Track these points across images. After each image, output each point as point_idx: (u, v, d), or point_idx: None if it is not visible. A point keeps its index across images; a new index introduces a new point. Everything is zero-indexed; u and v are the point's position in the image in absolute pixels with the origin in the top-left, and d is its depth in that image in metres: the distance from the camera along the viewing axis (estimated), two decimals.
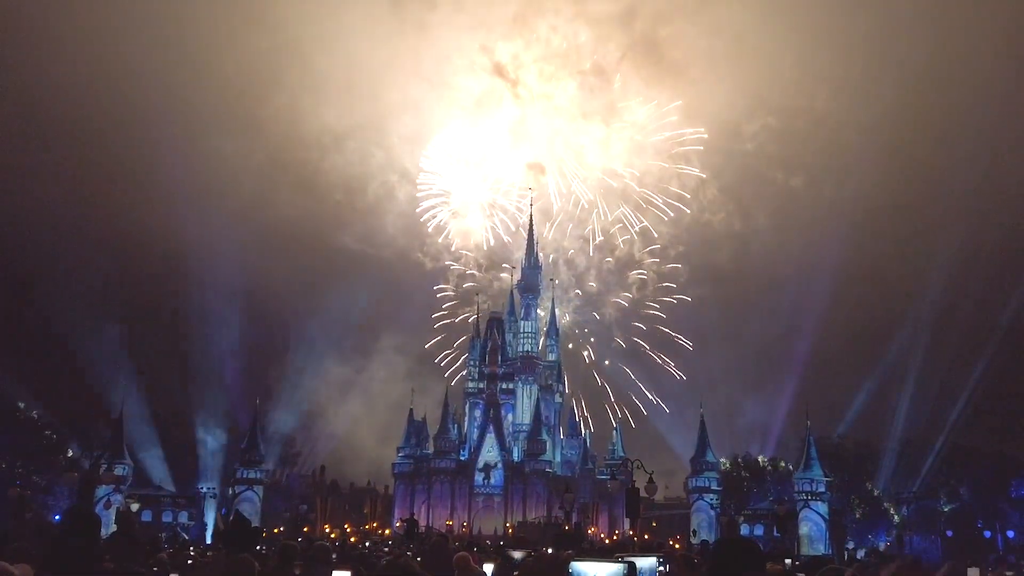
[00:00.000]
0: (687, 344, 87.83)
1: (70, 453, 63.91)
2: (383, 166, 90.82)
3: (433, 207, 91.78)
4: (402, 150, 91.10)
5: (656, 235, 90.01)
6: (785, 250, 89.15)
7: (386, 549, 29.08)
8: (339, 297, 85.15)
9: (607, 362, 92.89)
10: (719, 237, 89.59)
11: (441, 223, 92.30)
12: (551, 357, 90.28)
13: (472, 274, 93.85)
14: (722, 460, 77.16)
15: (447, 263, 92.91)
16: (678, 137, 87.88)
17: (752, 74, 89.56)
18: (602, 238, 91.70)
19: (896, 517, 68.64)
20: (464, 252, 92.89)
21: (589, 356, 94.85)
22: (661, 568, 4.99)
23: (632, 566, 5.16)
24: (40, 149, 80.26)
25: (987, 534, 61.44)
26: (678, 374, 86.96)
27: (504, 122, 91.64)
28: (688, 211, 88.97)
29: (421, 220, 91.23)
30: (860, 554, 54.97)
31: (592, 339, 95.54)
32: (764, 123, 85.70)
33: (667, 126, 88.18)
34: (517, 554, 10.24)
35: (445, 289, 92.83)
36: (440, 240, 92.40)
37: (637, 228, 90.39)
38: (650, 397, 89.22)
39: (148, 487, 66.81)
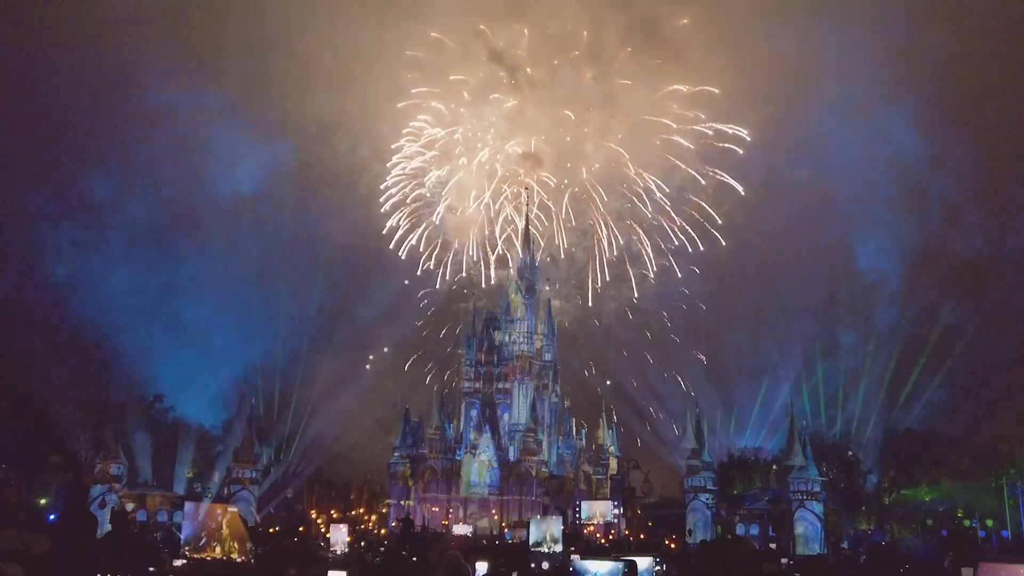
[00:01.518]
0: (702, 358, 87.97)
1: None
2: (373, 157, 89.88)
3: (418, 203, 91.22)
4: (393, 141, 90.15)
5: (657, 230, 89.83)
6: (783, 246, 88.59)
7: (382, 549, 29.21)
8: (330, 292, 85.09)
9: (605, 361, 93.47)
10: (720, 232, 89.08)
11: (436, 218, 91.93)
12: (547, 356, 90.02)
13: (467, 272, 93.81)
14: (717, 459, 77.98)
15: (441, 259, 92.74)
16: (713, 137, 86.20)
17: (754, 61, 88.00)
18: (604, 232, 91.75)
19: (878, 506, 69.52)
20: (458, 249, 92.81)
21: (586, 355, 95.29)
22: (658, 568, 5.20)
23: (632, 564, 5.27)
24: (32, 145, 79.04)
25: (982, 534, 62.10)
26: (683, 384, 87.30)
27: (501, 111, 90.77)
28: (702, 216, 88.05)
29: (392, 211, 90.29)
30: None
31: (590, 338, 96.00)
32: (766, 112, 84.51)
33: (696, 120, 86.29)
34: None
35: (439, 286, 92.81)
36: (435, 235, 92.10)
37: (639, 223, 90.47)
38: (647, 396, 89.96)
39: (143, 486, 66.65)
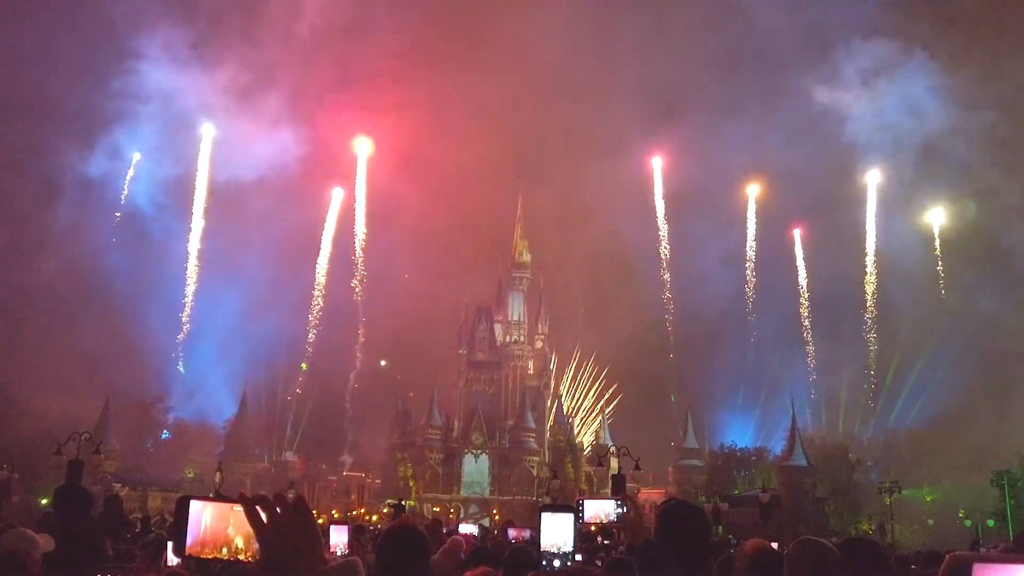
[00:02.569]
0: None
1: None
2: None
3: None
4: None
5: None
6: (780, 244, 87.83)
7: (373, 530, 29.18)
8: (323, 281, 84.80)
9: (595, 349, 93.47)
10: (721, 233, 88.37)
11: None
12: (539, 345, 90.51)
13: (461, 263, 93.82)
14: (708, 449, 78.12)
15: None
16: None
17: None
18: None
19: (878, 506, 69.50)
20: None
21: (577, 344, 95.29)
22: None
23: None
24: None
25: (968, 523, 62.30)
26: (684, 384, 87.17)
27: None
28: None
29: None
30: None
31: (581, 326, 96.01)
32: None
33: None
34: None
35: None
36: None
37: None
38: (641, 387, 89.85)
39: (136, 472, 66.74)
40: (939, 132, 73.14)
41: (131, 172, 77.96)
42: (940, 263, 79.48)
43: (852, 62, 78.27)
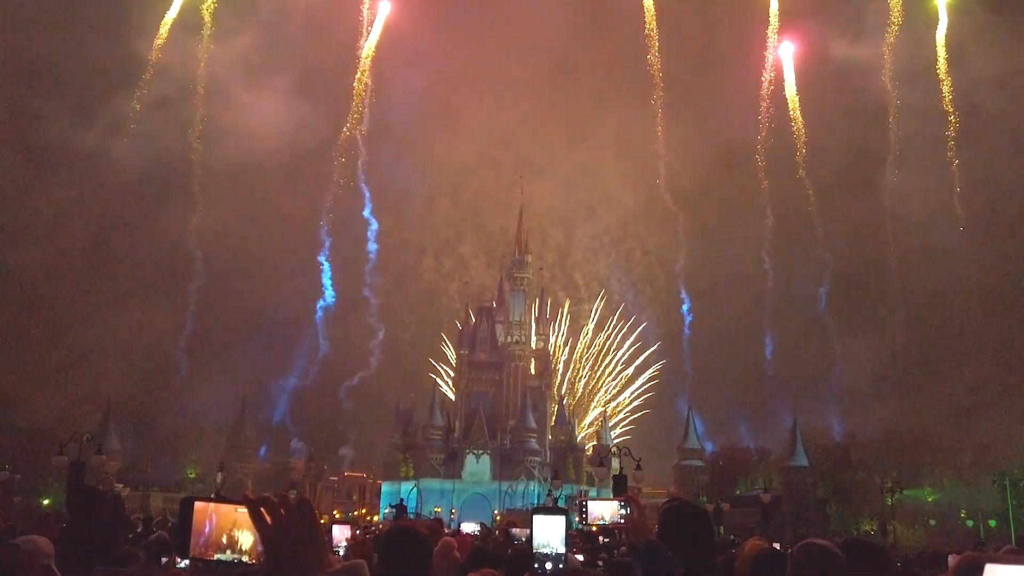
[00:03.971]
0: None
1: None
2: None
3: None
4: None
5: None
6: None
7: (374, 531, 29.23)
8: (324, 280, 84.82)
9: (597, 350, 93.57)
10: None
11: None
12: (540, 346, 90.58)
13: (462, 262, 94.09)
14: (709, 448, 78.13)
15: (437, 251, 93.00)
16: None
17: None
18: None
19: (880, 506, 69.47)
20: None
21: (579, 344, 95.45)
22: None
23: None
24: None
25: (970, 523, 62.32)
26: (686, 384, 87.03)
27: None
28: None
29: None
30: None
31: (582, 325, 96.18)
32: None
33: None
34: None
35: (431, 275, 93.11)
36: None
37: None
38: (641, 386, 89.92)
39: (137, 473, 66.81)
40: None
41: (127, 143, 74.20)
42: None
43: None
